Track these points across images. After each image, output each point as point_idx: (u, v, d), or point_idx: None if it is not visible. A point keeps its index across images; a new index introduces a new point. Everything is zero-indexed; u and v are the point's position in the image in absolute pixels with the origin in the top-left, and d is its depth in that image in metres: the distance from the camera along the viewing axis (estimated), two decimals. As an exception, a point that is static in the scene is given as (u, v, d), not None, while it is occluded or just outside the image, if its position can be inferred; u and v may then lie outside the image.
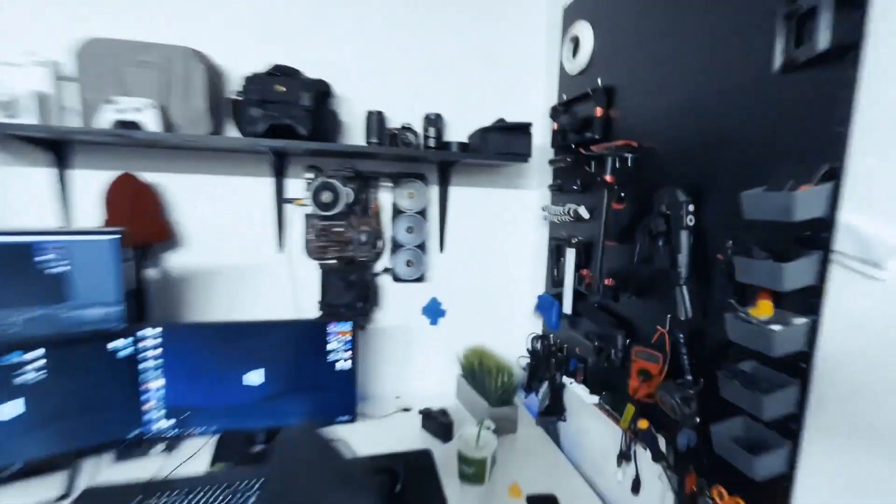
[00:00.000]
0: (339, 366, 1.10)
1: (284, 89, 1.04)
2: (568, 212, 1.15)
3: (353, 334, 1.11)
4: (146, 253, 1.15)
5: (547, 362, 1.25)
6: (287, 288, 1.30)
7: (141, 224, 1.11)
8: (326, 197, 1.21)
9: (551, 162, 1.28)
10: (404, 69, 1.29)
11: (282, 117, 1.03)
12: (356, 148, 1.19)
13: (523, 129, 1.18)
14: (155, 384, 1.01)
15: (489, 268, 1.46)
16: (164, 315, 1.21)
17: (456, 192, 1.38)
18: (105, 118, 0.98)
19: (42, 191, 1.10)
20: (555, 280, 1.27)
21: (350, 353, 1.11)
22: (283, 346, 1.07)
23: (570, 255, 1.14)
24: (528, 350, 1.35)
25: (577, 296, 1.15)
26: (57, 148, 1.08)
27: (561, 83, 1.27)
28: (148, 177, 1.15)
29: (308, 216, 1.26)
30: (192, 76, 1.05)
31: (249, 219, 1.25)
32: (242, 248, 1.25)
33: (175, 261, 1.21)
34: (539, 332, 1.37)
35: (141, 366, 1.00)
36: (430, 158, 1.27)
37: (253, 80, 1.05)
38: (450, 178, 1.35)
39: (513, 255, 1.47)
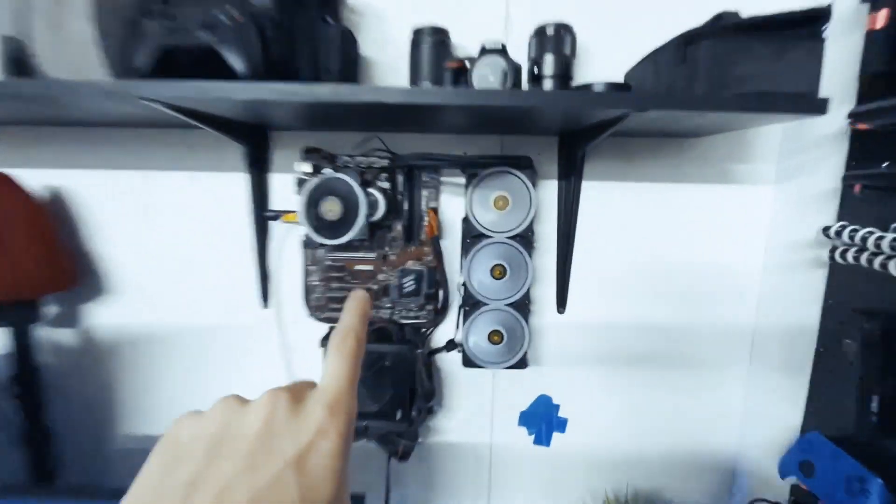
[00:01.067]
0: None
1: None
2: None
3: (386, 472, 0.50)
4: (33, 311, 0.66)
5: None
6: (276, 371, 0.73)
7: (22, 262, 0.62)
8: (330, 208, 0.61)
9: (855, 118, 0.51)
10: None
11: (191, 31, 0.44)
12: (382, 95, 0.46)
13: (808, 25, 0.43)
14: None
15: (660, 350, 0.73)
16: (79, 446, 0.73)
17: (593, 192, 0.68)
18: None
19: None
20: (864, 411, 0.50)
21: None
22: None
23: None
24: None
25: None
26: None
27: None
28: (38, 178, 0.66)
29: (306, 243, 0.67)
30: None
31: (212, 248, 0.70)
32: (202, 299, 0.72)
33: (96, 319, 0.72)
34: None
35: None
36: (545, 115, 0.56)
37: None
38: (582, 163, 0.66)
39: (711, 329, 0.72)
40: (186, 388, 0.74)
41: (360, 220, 0.61)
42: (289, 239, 0.70)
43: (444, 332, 0.72)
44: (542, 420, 0.76)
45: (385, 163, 0.64)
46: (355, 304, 0.29)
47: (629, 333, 0.72)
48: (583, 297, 0.71)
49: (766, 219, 0.68)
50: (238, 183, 0.68)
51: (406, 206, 0.65)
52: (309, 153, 0.65)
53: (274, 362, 0.73)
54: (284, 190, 0.69)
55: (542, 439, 0.76)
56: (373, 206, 0.63)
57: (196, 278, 0.71)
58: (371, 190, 0.63)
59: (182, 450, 0.21)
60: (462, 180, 0.68)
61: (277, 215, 0.66)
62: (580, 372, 0.74)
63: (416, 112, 0.50)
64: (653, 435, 0.76)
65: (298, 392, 0.24)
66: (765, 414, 0.71)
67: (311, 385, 0.25)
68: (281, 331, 0.72)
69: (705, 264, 0.70)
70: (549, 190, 0.68)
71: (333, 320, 0.71)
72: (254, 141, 0.65)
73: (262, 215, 0.68)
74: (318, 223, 0.62)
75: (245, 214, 0.68)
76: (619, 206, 0.69)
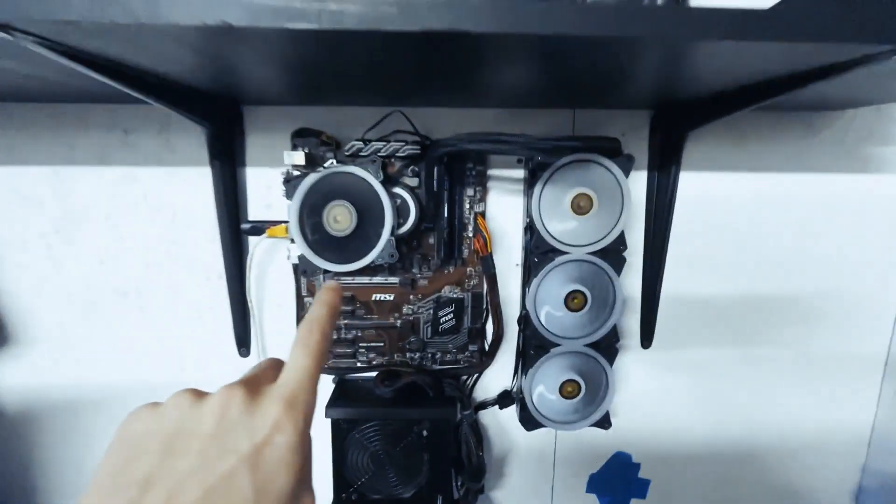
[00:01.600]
0: None
1: None
2: None
3: None
4: None
5: None
6: (262, 441, 0.53)
7: None
8: (339, 217, 0.41)
9: None
10: None
11: None
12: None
13: None
14: None
15: (772, 399, 0.56)
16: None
17: (692, 187, 0.50)
18: None
19: None
20: None
21: None
22: None
23: None
24: None
25: None
26: None
27: None
28: None
29: (303, 268, 0.47)
30: None
31: (164, 276, 0.49)
32: (152, 349, 0.51)
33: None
34: None
35: None
36: (682, 65, 0.37)
37: None
38: (682, 147, 0.47)
39: (838, 368, 0.55)
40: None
41: (385, 235, 0.41)
42: (276, 261, 0.50)
43: (494, 378, 0.54)
44: (619, 484, 0.58)
45: (415, 149, 0.44)
46: (325, 295, 0.29)
47: (732, 371, 0.55)
48: (674, 327, 0.53)
49: (912, 218, 0.52)
50: (199, 182, 0.47)
51: (446, 211, 0.46)
52: (302, 137, 0.45)
53: (259, 429, 0.53)
54: (268, 192, 0.48)
55: (618, 509, 0.59)
56: (400, 212, 0.44)
57: (141, 320, 0.50)
58: (397, 189, 0.44)
59: (136, 446, 0.21)
60: (519, 173, 0.49)
61: (259, 229, 0.46)
62: (667, 423, 0.56)
63: (456, 61, 0.30)
64: None
65: (255, 385, 0.24)
66: None
67: (269, 376, 0.25)
68: (267, 387, 0.52)
69: (837, 283, 0.53)
70: (632, 185, 0.50)
71: (341, 370, 0.51)
72: (220, 119, 0.44)
73: (237, 229, 0.47)
74: (320, 240, 0.42)
75: (211, 228, 0.48)
76: (725, 205, 0.51)
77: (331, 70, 0.33)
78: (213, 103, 0.43)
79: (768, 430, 0.57)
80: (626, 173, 0.45)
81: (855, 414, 0.57)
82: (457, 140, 0.39)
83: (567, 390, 0.48)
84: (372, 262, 0.42)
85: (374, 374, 0.51)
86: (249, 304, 0.49)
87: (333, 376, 0.52)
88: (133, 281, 0.49)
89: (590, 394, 0.49)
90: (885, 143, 0.50)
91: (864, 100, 0.45)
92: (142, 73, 0.32)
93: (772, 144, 0.50)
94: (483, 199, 0.49)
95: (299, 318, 0.49)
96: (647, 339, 0.54)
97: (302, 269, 0.43)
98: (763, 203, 0.51)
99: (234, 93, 0.43)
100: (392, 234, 0.42)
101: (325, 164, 0.43)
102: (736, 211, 0.51)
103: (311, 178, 0.41)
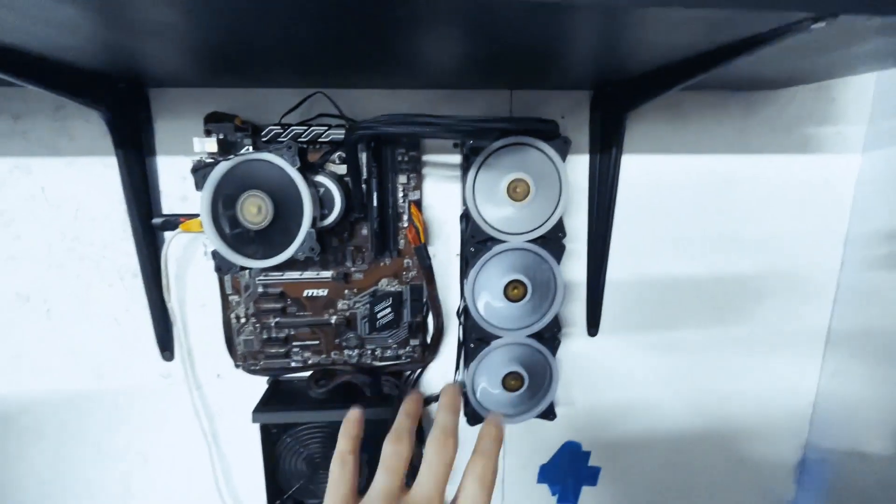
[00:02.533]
0: None
1: None
2: None
3: None
4: None
5: None
6: (189, 451, 0.50)
7: None
8: (254, 209, 0.38)
9: None
10: None
11: None
12: None
13: None
14: None
15: (719, 385, 0.56)
16: None
17: (634, 169, 0.49)
18: None
19: None
20: None
21: None
22: None
23: None
24: None
25: None
26: None
27: None
28: None
29: (218, 265, 0.43)
30: None
31: (70, 277, 0.45)
32: (63, 355, 0.47)
33: None
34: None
35: None
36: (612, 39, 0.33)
37: None
38: (624, 128, 0.46)
39: (781, 347, 0.56)
40: (51, 484, 0.49)
41: (304, 227, 0.38)
42: (196, 257, 0.46)
43: (437, 372, 0.52)
44: (569, 473, 0.58)
45: (339, 134, 0.41)
46: (448, 401, 0.30)
47: (678, 354, 0.55)
48: (620, 312, 0.52)
49: (848, 197, 0.52)
50: (104, 173, 0.43)
51: (375, 200, 0.43)
52: (216, 122, 0.41)
53: (187, 439, 0.50)
54: (182, 182, 0.44)
55: (570, 496, 0.59)
56: (324, 202, 0.41)
57: (49, 326, 0.46)
58: (319, 178, 0.41)
59: None
60: (455, 159, 0.47)
61: (172, 223, 0.42)
62: (615, 409, 0.56)
63: (377, 32, 0.27)
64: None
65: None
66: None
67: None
68: (194, 393, 0.49)
69: (776, 262, 0.53)
70: (573, 169, 0.48)
71: (274, 371, 0.48)
72: (121, 104, 0.40)
73: (150, 224, 0.43)
74: (235, 234, 0.39)
75: (121, 223, 0.44)
76: (668, 188, 0.50)
77: (244, 42, 0.29)
78: (111, 86, 0.39)
79: (713, 410, 0.57)
80: (563, 157, 0.43)
81: (797, 390, 0.58)
82: (375, 123, 0.36)
83: (510, 383, 0.47)
84: (292, 257, 0.39)
85: (309, 373, 0.48)
86: (169, 305, 0.45)
87: (267, 377, 0.49)
88: (35, 283, 0.45)
89: (533, 385, 0.48)
90: (823, 122, 0.50)
91: (799, 78, 0.45)
92: (19, 54, 0.28)
93: (712, 125, 0.49)
94: (418, 187, 0.46)
95: (226, 317, 0.46)
96: (593, 327, 0.53)
97: (217, 266, 0.40)
98: (704, 184, 0.50)
99: (137, 73, 0.39)
100: (312, 226, 0.39)
101: (242, 152, 0.40)
102: (677, 193, 0.50)
103: (222, 166, 0.38)
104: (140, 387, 0.48)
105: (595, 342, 0.53)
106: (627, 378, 0.55)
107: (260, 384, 0.49)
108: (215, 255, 0.39)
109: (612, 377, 0.55)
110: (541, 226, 0.44)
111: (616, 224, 0.49)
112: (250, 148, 0.41)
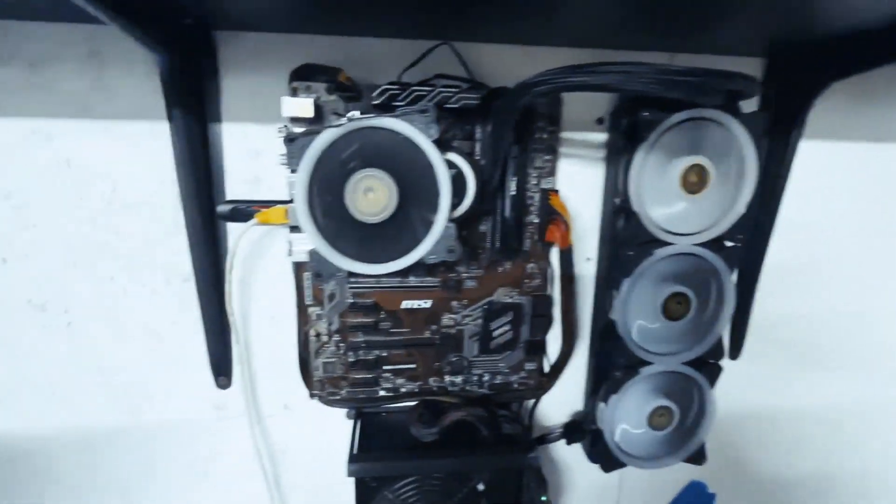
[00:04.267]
0: None
1: None
2: None
3: None
4: None
5: None
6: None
7: None
8: (373, 195, 0.28)
9: None
10: None
11: None
12: None
13: None
14: None
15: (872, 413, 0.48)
16: None
17: (807, 159, 0.40)
18: None
19: None
20: None
21: None
22: None
23: None
24: None
25: None
26: None
27: None
28: None
29: (316, 269, 0.32)
30: None
31: (107, 279, 0.34)
32: (95, 382, 0.36)
33: None
34: None
35: None
36: None
37: None
38: (808, 108, 0.37)
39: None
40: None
41: (441, 219, 0.28)
42: (266, 259, 0.36)
43: (550, 402, 0.42)
44: (688, 519, 0.49)
45: (472, 99, 0.31)
46: None
47: (819, 388, 0.46)
48: (767, 334, 0.44)
49: None
50: (151, 144, 0.32)
51: (514, 187, 0.33)
52: (307, 79, 0.31)
53: (243, 488, 0.39)
54: (255, 159, 0.34)
55: (686, 546, 0.50)
56: (455, 189, 0.30)
57: (70, 343, 0.35)
58: (451, 156, 0.31)
59: None
60: (598, 137, 0.37)
61: (244, 213, 0.32)
62: (746, 446, 0.47)
63: None
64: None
65: None
66: None
67: None
68: (255, 429, 0.38)
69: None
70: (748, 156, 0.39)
71: (357, 402, 0.38)
72: (183, 48, 0.29)
73: (211, 213, 0.33)
74: (336, 227, 0.29)
75: (171, 211, 0.33)
76: (848, 183, 0.41)
77: None
78: (173, 20, 0.28)
79: (844, 457, 0.49)
80: (756, 137, 0.33)
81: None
82: (553, 76, 0.26)
83: (657, 420, 0.38)
84: (422, 259, 0.29)
85: (401, 404, 0.38)
86: (230, 318, 0.35)
87: (347, 410, 0.39)
88: (53, 288, 0.34)
89: (681, 421, 0.39)
90: None
91: None
92: None
93: (902, 106, 0.40)
94: (553, 172, 0.36)
95: (301, 334, 0.36)
96: (735, 349, 0.44)
97: (314, 270, 0.29)
98: (884, 176, 0.41)
99: (206, 6, 0.28)
100: (448, 218, 0.29)
101: (347, 117, 0.29)
102: (858, 188, 0.41)
103: (329, 134, 0.27)
104: (185, 421, 0.38)
105: (735, 367, 0.44)
106: (768, 409, 0.46)
107: (336, 418, 0.39)
108: (312, 255, 0.29)
109: (751, 407, 0.46)
110: (716, 225, 0.35)
111: (777, 224, 0.40)
112: (357, 113, 0.30)
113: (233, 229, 0.34)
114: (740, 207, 0.34)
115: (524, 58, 0.35)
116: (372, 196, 0.28)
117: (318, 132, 0.28)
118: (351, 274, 0.33)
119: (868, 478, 0.51)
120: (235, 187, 0.34)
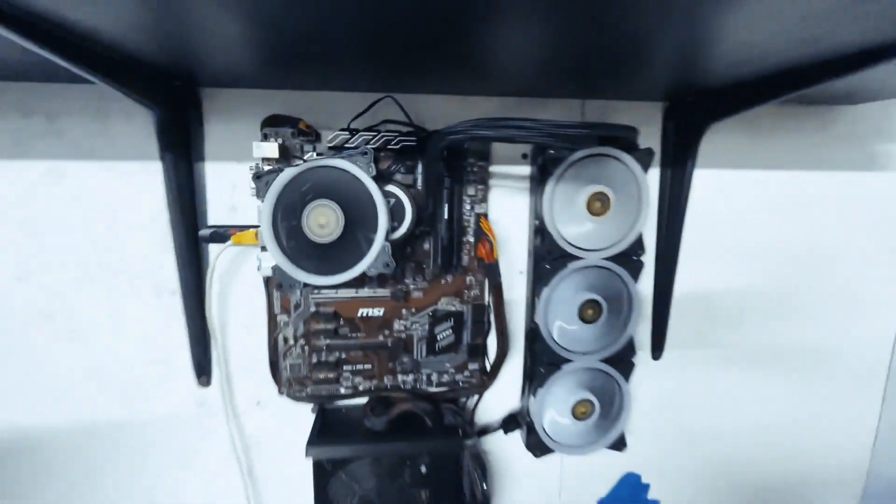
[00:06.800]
0: None
1: None
2: None
3: None
4: None
5: None
6: (219, 489, 0.45)
7: None
8: (323, 221, 0.34)
9: None
10: None
11: None
12: None
13: None
14: None
15: (786, 422, 0.53)
16: None
17: (703, 185, 0.46)
18: None
19: None
20: None
21: None
22: None
23: None
24: None
25: None
26: None
27: None
28: None
29: (278, 282, 0.39)
30: None
31: (101, 292, 0.41)
32: (89, 377, 0.42)
33: None
34: None
35: None
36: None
37: None
38: (698, 142, 0.44)
39: (845, 368, 0.53)
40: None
41: (379, 240, 0.35)
42: (240, 274, 0.42)
43: (493, 398, 0.48)
44: (627, 507, 0.54)
45: (411, 141, 0.38)
46: None
47: (740, 378, 0.52)
48: (684, 335, 0.50)
49: (917, 217, 0.51)
50: (147, 181, 0.39)
51: (447, 212, 0.40)
52: (275, 125, 0.38)
53: (221, 474, 0.45)
54: (233, 191, 0.41)
55: (626, 533, 0.55)
56: (394, 214, 0.37)
57: (74, 348, 0.41)
58: (390, 187, 0.37)
59: None
60: (523, 170, 0.44)
61: (222, 235, 0.38)
62: (675, 439, 0.53)
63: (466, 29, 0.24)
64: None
65: None
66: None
67: None
68: (231, 423, 0.44)
69: (845, 281, 0.51)
70: (650, 183, 0.46)
71: (321, 398, 0.44)
72: (173, 102, 0.37)
73: (195, 236, 0.39)
74: (297, 247, 0.35)
75: (161, 234, 0.40)
76: (737, 205, 0.48)
77: (309, 35, 0.26)
78: (164, 82, 0.36)
79: (772, 435, 0.54)
80: (646, 169, 0.40)
81: (860, 416, 0.56)
82: (465, 127, 0.33)
83: (580, 411, 0.43)
84: (364, 273, 0.35)
85: (358, 400, 0.44)
86: (210, 325, 0.41)
87: (312, 405, 0.44)
88: (61, 300, 0.40)
89: (603, 413, 0.44)
90: (892, 139, 0.49)
91: (872, 94, 0.43)
92: (73, 35, 0.25)
93: (787, 140, 0.47)
94: (485, 199, 0.43)
95: (271, 339, 0.42)
96: (657, 350, 0.50)
97: (277, 283, 0.36)
98: (777, 201, 0.48)
99: (191, 70, 0.35)
100: (387, 238, 0.35)
101: (305, 159, 0.36)
102: (748, 209, 0.48)
103: (289, 172, 0.34)
104: (171, 416, 0.43)
105: (658, 366, 0.50)
106: (689, 405, 0.52)
107: (302, 413, 0.44)
108: (276, 270, 0.36)
109: (674, 404, 0.51)
110: (619, 242, 0.41)
111: (684, 241, 0.46)
112: (314, 154, 0.37)
113: (213, 249, 0.40)
114: (640, 227, 0.41)
115: (461, 104, 0.42)
116: (323, 220, 0.35)
117: (281, 170, 0.35)
118: (313, 287, 0.40)
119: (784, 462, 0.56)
120: (216, 214, 0.41)
